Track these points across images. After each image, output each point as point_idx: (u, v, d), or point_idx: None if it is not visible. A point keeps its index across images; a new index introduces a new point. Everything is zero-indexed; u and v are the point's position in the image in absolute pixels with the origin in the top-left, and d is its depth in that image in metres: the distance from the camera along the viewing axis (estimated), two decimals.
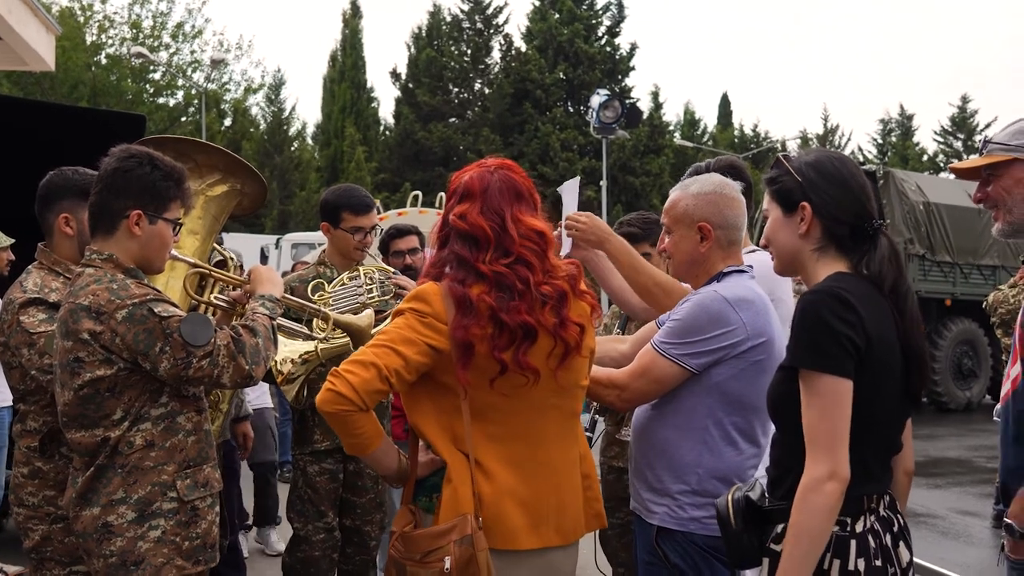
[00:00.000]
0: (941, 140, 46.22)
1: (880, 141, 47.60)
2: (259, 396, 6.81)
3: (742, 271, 2.96)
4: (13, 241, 6.10)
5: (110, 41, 31.96)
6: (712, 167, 3.51)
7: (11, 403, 6.08)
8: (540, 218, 2.61)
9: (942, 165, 42.63)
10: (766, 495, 2.37)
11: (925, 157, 45.47)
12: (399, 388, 2.46)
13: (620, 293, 3.48)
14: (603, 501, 2.82)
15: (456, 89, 39.01)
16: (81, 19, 31.04)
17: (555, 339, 2.50)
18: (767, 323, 2.87)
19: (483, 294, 2.45)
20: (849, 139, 48.34)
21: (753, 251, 3.48)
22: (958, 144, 45.17)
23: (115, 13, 32.32)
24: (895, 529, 2.31)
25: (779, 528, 2.28)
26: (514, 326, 2.44)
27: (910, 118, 47.80)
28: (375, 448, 2.51)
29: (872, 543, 2.24)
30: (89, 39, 31.08)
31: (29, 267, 3.37)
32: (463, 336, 2.43)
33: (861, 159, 41.80)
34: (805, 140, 45.33)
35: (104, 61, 31.54)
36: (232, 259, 3.66)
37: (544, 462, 2.58)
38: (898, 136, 47.58)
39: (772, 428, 2.87)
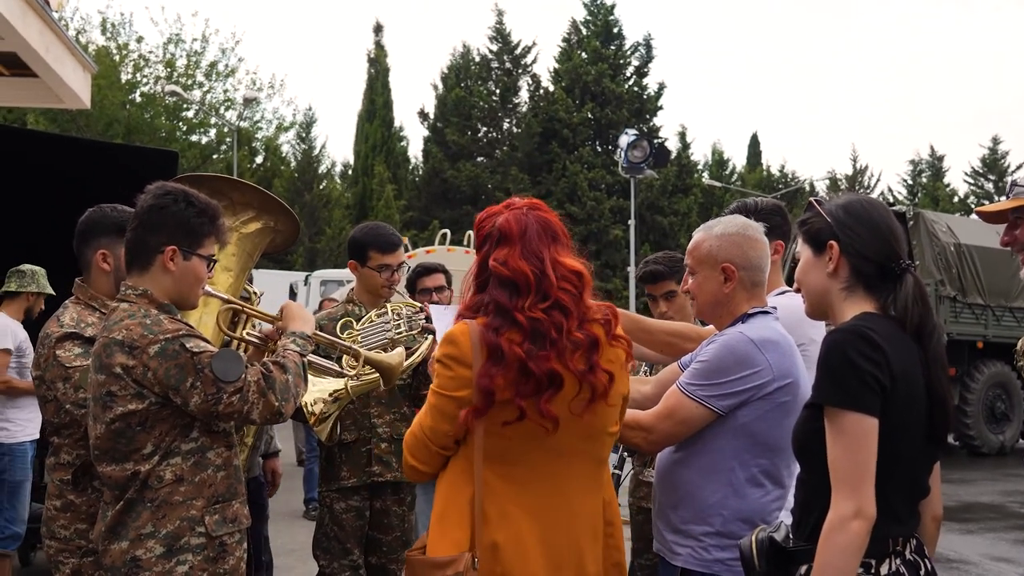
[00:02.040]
0: (972, 181, 45.96)
1: (910, 182, 47.38)
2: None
3: (767, 312, 2.96)
4: (55, 295, 6.21)
5: (145, 79, 32.35)
6: (761, 206, 3.55)
7: (35, 437, 6.17)
8: (577, 258, 2.59)
9: (973, 206, 42.34)
10: (790, 536, 2.36)
11: (956, 198, 45.18)
12: (454, 448, 2.54)
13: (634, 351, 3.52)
14: (632, 541, 2.81)
15: (484, 128, 39.27)
16: (117, 58, 31.46)
17: (580, 384, 2.46)
18: (792, 364, 2.87)
19: (515, 344, 2.43)
20: (878, 180, 48.25)
21: (783, 292, 3.49)
22: (989, 185, 44.90)
23: (150, 52, 32.59)
24: (921, 573, 2.29)
25: (803, 569, 2.27)
26: (540, 374, 2.42)
27: (940, 159, 47.56)
28: None
29: None
30: (124, 77, 31.48)
31: (66, 302, 3.42)
32: (487, 384, 2.41)
33: (891, 200, 41.62)
34: (834, 181, 45.22)
35: (139, 99, 31.93)
36: (256, 294, 3.69)
37: (566, 508, 2.54)
38: (928, 177, 47.34)
39: (797, 469, 2.87)
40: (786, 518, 2.57)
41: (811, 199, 2.56)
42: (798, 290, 2.59)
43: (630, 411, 2.91)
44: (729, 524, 2.80)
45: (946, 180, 47.18)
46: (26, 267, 6.24)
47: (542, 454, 2.50)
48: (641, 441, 2.93)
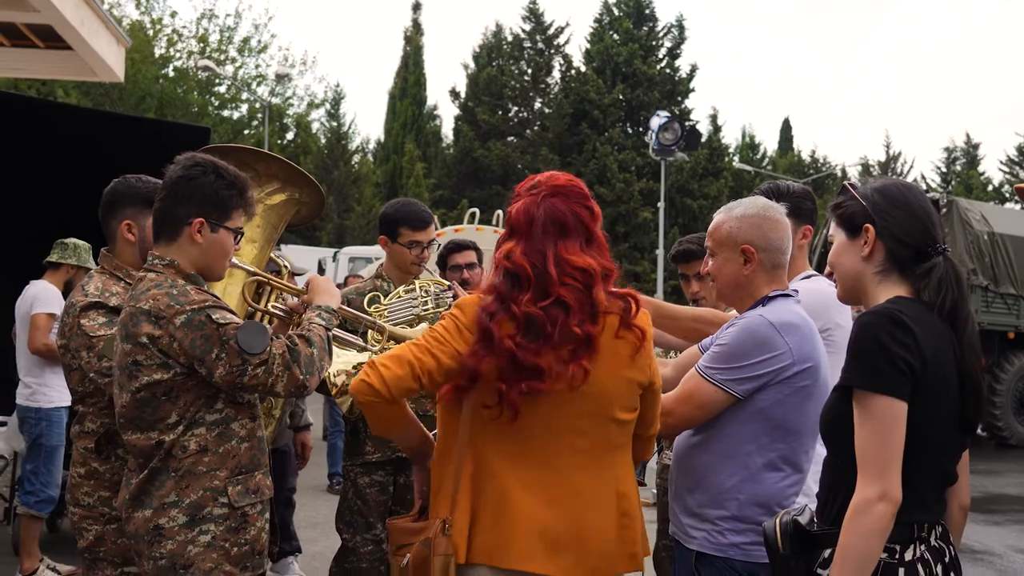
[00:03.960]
0: (1007, 170, 45.38)
1: (944, 169, 46.89)
2: None
3: (788, 295, 2.92)
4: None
5: (178, 54, 32.55)
6: (792, 190, 3.50)
7: (69, 404, 6.22)
8: (588, 249, 2.55)
9: (1008, 195, 41.83)
10: (815, 520, 2.35)
11: (990, 187, 44.65)
12: (430, 388, 2.52)
13: (656, 338, 3.48)
14: (658, 523, 2.79)
15: (515, 108, 39.20)
16: (151, 32, 31.65)
17: (557, 375, 2.46)
18: (813, 348, 2.83)
19: (507, 337, 2.44)
20: (912, 167, 47.53)
21: (809, 276, 3.45)
22: None
23: (184, 27, 32.82)
24: (946, 560, 2.27)
25: (827, 553, 2.26)
26: (526, 364, 2.43)
27: (976, 147, 47.02)
28: (397, 431, 2.66)
29: (922, 573, 2.21)
30: (158, 52, 31.66)
31: (91, 271, 3.44)
32: (473, 365, 2.44)
33: (924, 187, 41.10)
34: (866, 167, 44.84)
35: (172, 74, 32.11)
36: (286, 267, 3.69)
37: (567, 488, 2.52)
38: (963, 165, 46.81)
39: (814, 454, 2.84)
40: (807, 502, 2.55)
41: (844, 182, 2.53)
42: (830, 274, 2.56)
43: None
44: (745, 508, 2.78)
45: (981, 168, 46.63)
46: (70, 240, 6.29)
47: (534, 433, 2.50)
48: (660, 425, 2.90)
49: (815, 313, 2.99)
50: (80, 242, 6.29)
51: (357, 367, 3.81)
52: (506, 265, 2.53)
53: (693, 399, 2.83)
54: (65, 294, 6.27)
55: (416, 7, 40.23)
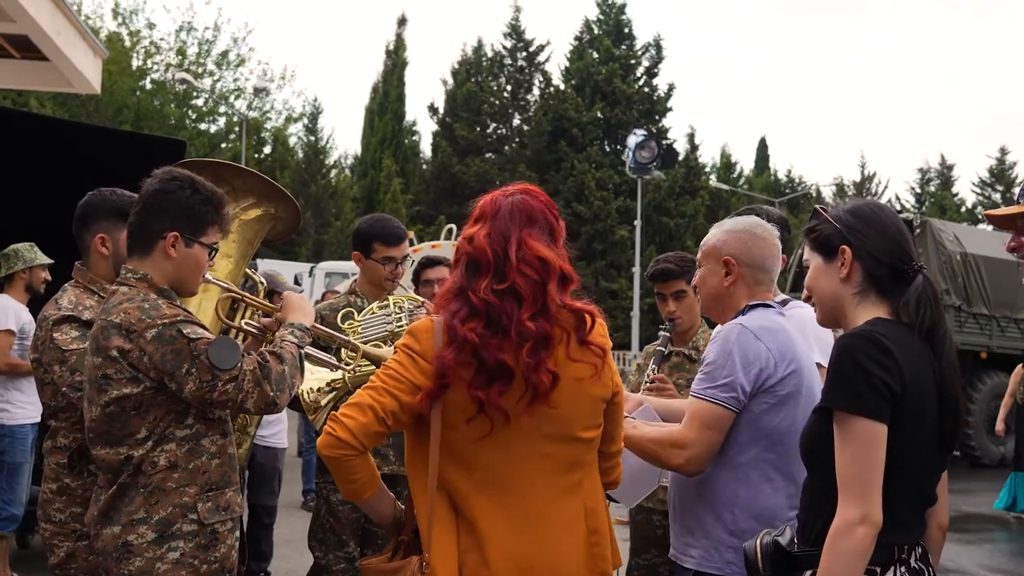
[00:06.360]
0: (979, 191, 45.82)
1: (918, 190, 47.26)
2: (275, 434, 6.76)
3: (768, 306, 2.95)
4: (52, 262, 6.20)
5: (155, 66, 32.44)
6: (768, 217, 3.51)
7: (37, 420, 6.16)
8: (552, 247, 2.48)
9: (980, 216, 42.19)
10: (795, 540, 2.35)
11: (964, 208, 45.06)
12: (396, 428, 2.44)
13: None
14: (631, 541, 2.78)
15: (494, 124, 39.21)
16: (128, 44, 31.53)
17: (526, 383, 2.38)
18: (794, 351, 2.84)
19: (471, 331, 2.38)
20: (886, 187, 47.81)
21: (783, 301, 3.47)
22: (996, 196, 44.74)
23: (162, 39, 32.73)
24: None
25: (807, 575, 2.25)
26: (491, 364, 2.36)
27: (950, 168, 47.41)
28: (370, 494, 2.53)
29: None
30: (135, 64, 31.55)
31: (65, 285, 3.42)
32: (439, 365, 2.37)
33: (898, 208, 41.46)
34: (841, 187, 45.15)
35: (149, 86, 32.00)
36: (263, 284, 3.68)
37: (535, 514, 2.46)
38: (937, 186, 47.21)
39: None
40: (792, 521, 2.55)
41: (816, 206, 2.53)
42: (808, 298, 2.56)
43: (664, 427, 2.86)
44: (741, 521, 2.80)
45: (955, 189, 47.06)
46: (8, 249, 6.21)
47: (502, 459, 2.44)
48: (683, 461, 2.83)
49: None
50: (18, 245, 6.19)
51: (330, 384, 3.80)
52: (467, 250, 2.47)
53: (697, 420, 2.82)
54: (32, 299, 6.21)
55: (402, 22, 40.37)
